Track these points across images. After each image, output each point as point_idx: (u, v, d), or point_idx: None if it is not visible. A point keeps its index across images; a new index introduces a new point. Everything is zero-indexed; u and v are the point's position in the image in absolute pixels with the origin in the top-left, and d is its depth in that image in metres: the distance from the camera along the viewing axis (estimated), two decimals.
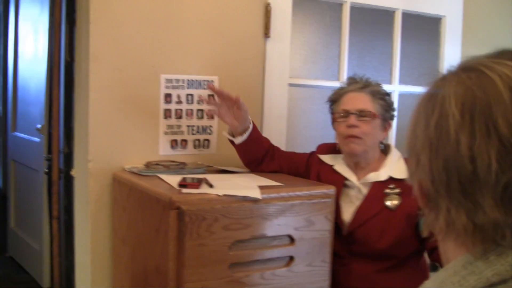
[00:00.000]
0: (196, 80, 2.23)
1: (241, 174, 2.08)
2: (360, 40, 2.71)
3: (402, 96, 2.75)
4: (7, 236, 4.33)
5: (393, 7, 2.73)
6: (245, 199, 1.65)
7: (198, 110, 2.25)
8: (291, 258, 1.76)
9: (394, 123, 2.36)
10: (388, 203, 1.87)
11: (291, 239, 1.75)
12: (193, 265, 1.58)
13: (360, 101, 1.89)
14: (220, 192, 1.64)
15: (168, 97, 2.19)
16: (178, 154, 2.22)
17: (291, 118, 2.52)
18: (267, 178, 1.95)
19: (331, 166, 2.01)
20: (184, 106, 2.23)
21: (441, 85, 0.73)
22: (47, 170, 2.75)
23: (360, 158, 1.93)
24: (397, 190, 1.87)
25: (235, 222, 1.63)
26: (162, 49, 2.17)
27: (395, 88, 2.74)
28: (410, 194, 1.74)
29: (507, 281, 0.66)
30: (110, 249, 2.12)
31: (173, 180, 1.80)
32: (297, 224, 1.75)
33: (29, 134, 3.77)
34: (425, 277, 1.78)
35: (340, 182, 1.95)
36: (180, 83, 2.21)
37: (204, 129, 2.27)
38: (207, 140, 2.29)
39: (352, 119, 1.87)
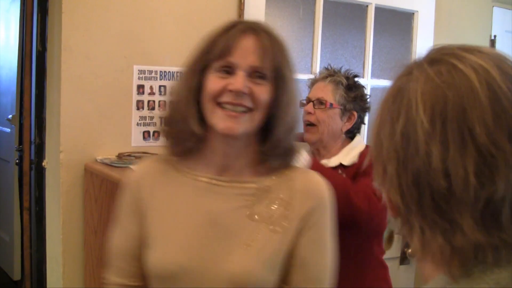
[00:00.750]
0: (169, 72, 2.23)
1: None
2: (333, 34, 2.73)
3: (374, 89, 2.78)
4: None
5: (366, 2, 2.76)
6: None
7: None
8: None
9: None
10: None
11: None
12: None
13: (321, 90, 1.91)
14: None
15: (140, 88, 2.19)
16: (151, 146, 2.22)
17: None
18: None
19: None
20: (157, 98, 2.23)
21: (407, 82, 0.62)
22: (18, 161, 2.72)
23: (319, 146, 1.95)
24: (343, 176, 1.88)
25: None
26: (135, 40, 2.16)
27: (368, 82, 2.77)
28: (355, 181, 1.75)
29: None
30: (82, 240, 2.12)
31: None
32: None
33: (0, 125, 3.72)
34: (376, 264, 1.78)
35: None
36: (153, 74, 2.20)
37: None
38: None
39: (309, 107, 1.90)
